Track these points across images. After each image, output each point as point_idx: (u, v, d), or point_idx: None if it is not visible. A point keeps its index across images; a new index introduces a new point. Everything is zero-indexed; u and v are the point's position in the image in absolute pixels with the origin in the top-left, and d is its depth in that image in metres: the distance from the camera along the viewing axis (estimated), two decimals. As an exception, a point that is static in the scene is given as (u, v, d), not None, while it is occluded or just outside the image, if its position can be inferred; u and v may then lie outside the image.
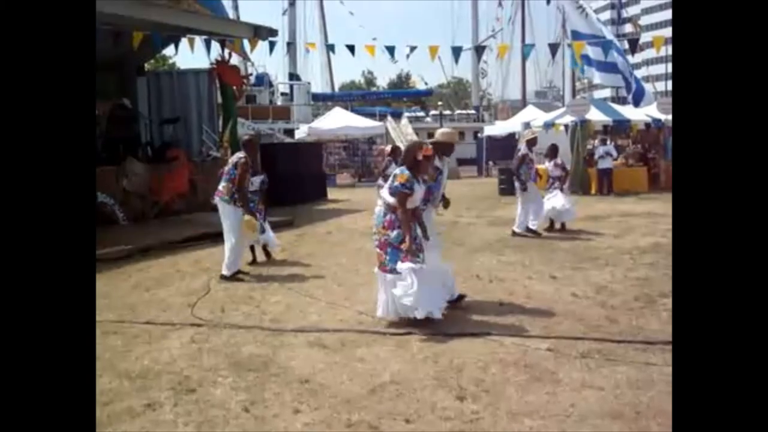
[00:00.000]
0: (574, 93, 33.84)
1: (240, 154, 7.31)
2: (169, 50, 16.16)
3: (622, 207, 13.59)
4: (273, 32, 14.42)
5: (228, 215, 7.22)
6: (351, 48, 12.93)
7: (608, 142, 16.79)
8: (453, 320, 5.39)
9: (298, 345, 4.93)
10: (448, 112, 37.41)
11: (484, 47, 11.50)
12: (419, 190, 5.35)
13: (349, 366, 4.43)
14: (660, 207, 13.43)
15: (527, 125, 18.54)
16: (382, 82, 66.25)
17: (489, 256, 8.32)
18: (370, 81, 66.87)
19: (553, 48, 13.40)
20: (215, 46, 14.02)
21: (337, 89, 52.69)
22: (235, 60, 19.14)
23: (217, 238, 9.51)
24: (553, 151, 10.95)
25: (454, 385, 3.99)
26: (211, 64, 14.88)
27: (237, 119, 15.10)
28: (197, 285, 7.03)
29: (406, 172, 5.27)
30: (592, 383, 3.97)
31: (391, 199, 5.28)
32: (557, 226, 10.50)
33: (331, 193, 17.95)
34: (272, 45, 14.68)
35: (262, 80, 32.37)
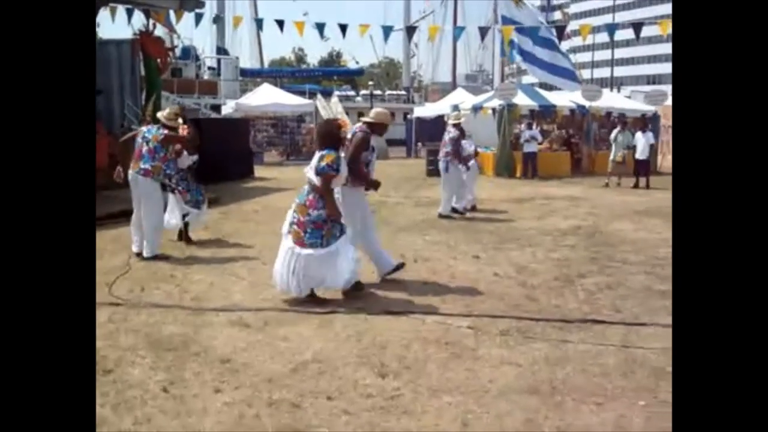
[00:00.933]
0: (503, 77, 34.40)
1: (160, 129, 7.04)
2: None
3: (545, 190, 14.01)
4: (200, 4, 13.98)
5: (151, 194, 6.94)
6: (280, 23, 12.66)
7: (534, 126, 17.23)
8: (376, 299, 5.43)
9: (220, 324, 4.83)
10: (378, 92, 37.40)
11: (414, 28, 11.51)
12: (344, 170, 5.37)
13: (272, 345, 4.38)
14: (581, 191, 13.96)
15: (456, 108, 18.73)
16: (313, 59, 65.58)
17: (415, 236, 8.41)
18: (300, 58, 65.87)
19: (483, 31, 13.56)
20: (139, 16, 13.48)
21: (266, 65, 51.66)
22: (160, 32, 18.47)
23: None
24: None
25: (376, 363, 4.02)
26: (134, 34, 14.29)
27: (161, 92, 14.57)
28: (116, 263, 6.76)
29: (333, 152, 5.25)
30: (511, 360, 4.09)
31: (314, 177, 5.25)
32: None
33: (259, 171, 17.63)
34: (199, 17, 14.23)
35: (189, 53, 31.27)
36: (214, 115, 25.25)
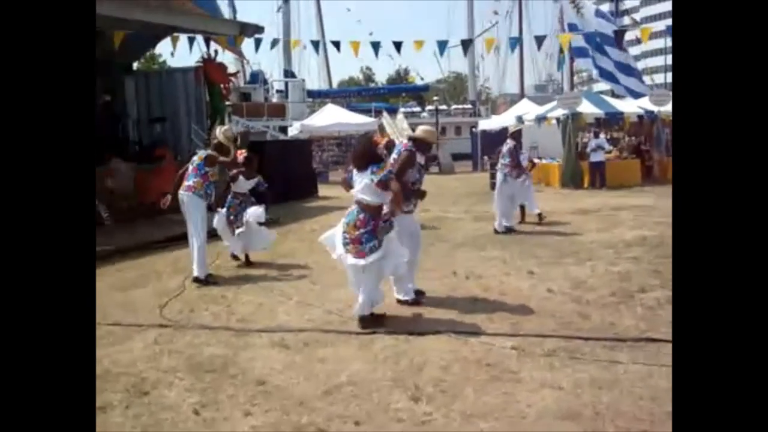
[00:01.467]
0: (572, 86, 33.62)
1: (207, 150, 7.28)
2: (165, 49, 16.13)
3: (613, 200, 13.46)
4: (259, 29, 14.32)
5: (194, 211, 7.02)
6: (336, 44, 12.81)
7: (601, 135, 16.64)
8: (421, 318, 5.31)
9: (261, 346, 4.83)
10: (444, 107, 37.23)
11: (470, 41, 11.34)
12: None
13: (308, 367, 4.33)
14: (651, 200, 13.33)
15: (520, 119, 18.41)
16: (381, 78, 66.11)
17: (471, 252, 8.21)
18: (368, 77, 66.62)
19: (539, 40, 13.25)
20: (203, 44, 13.96)
21: (335, 86, 52.58)
22: (228, 58, 19.05)
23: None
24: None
25: (410, 386, 3.90)
26: (197, 62, 14.81)
27: (225, 117, 15.00)
28: (173, 285, 6.93)
29: (381, 165, 5.20)
30: (553, 383, 3.87)
31: (368, 198, 5.15)
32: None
33: (323, 190, 17.82)
34: (258, 42, 14.63)
35: (257, 78, 32.23)
36: (282, 137, 25.82)
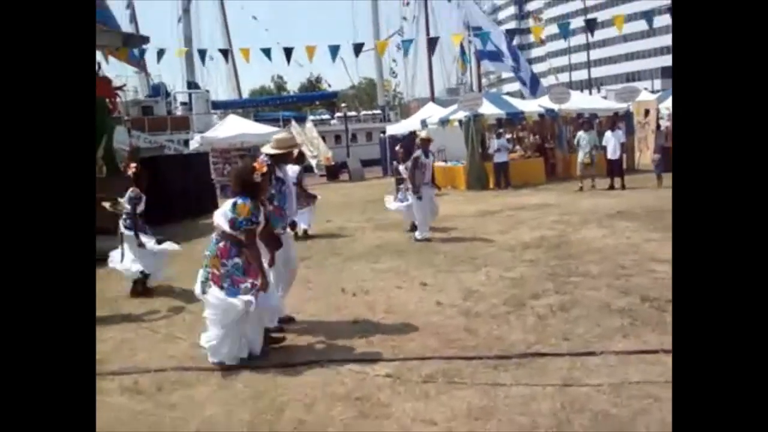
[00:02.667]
0: (480, 88, 34.08)
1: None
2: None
3: (517, 200, 13.44)
4: (144, 39, 13.53)
5: None
6: (224, 53, 12.16)
7: (504, 135, 16.70)
8: (295, 348, 4.82)
9: (110, 392, 4.21)
10: (353, 113, 36.89)
11: (361, 45, 11.01)
12: (262, 219, 4.60)
13: (156, 415, 3.78)
14: (554, 197, 13.41)
15: (424, 123, 18.27)
16: (293, 86, 65.15)
17: (364, 265, 7.80)
18: (280, 86, 65.49)
19: (432, 42, 13.04)
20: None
21: (246, 96, 51.28)
22: (129, 72, 17.83)
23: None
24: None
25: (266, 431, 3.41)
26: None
27: (113, 133, 14.00)
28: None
29: (248, 203, 4.45)
30: (426, 416, 3.48)
31: (227, 227, 4.52)
32: None
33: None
34: (161, 53, 13.82)
35: (159, 90, 30.85)
36: (186, 151, 24.71)
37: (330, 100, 42.50)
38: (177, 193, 14.10)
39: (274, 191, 5.12)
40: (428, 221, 9.47)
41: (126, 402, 4.06)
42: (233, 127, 21.70)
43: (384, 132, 24.47)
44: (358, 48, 10.96)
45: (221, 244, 4.53)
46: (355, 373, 4.16)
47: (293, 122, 28.72)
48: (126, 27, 40.85)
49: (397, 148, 12.85)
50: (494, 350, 4.44)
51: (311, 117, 31.58)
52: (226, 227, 4.53)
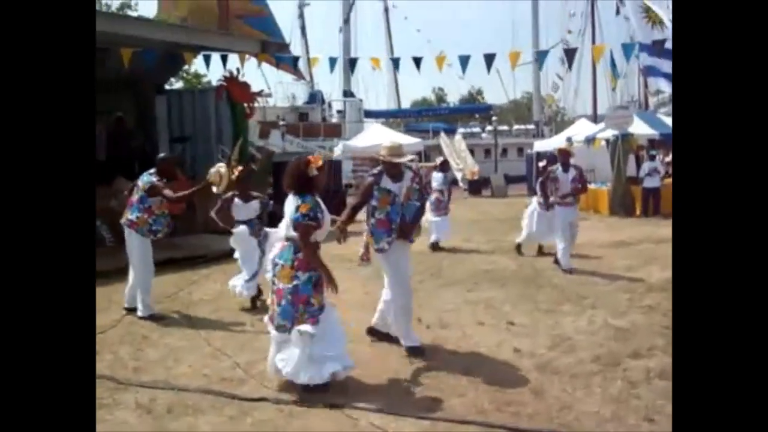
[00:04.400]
0: (647, 106, 31.48)
1: (151, 178, 6.31)
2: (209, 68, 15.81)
3: (661, 231, 11.81)
4: (282, 47, 13.79)
5: (136, 250, 6.30)
6: (417, 61, 11.78)
7: (657, 157, 14.94)
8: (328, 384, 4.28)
9: (125, 407, 3.98)
10: (505, 127, 35.71)
11: (493, 56, 10.15)
12: (327, 220, 4.25)
13: (147, 446, 3.43)
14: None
15: (569, 140, 16.96)
16: (454, 98, 64.82)
17: (457, 292, 7.08)
18: (440, 98, 65.57)
19: (569, 54, 11.87)
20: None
21: (408, 107, 51.85)
22: (289, 79, 18.36)
23: (194, 261, 9.17)
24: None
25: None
26: (219, 81, 14.40)
27: (248, 137, 14.49)
28: (108, 319, 6.19)
29: (308, 199, 4.12)
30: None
31: (291, 230, 4.19)
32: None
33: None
34: (295, 63, 14.04)
35: (315, 98, 32.02)
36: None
37: (485, 114, 41.65)
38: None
39: (375, 203, 4.79)
40: (569, 248, 8.22)
41: (129, 419, 3.80)
42: (374, 137, 21.76)
43: (531, 148, 23.28)
44: (489, 59, 10.19)
45: (300, 254, 4.16)
46: (374, 428, 3.54)
47: (442, 134, 28.41)
48: (297, 36, 43.30)
49: (540, 164, 11.90)
50: (553, 423, 3.59)
51: (461, 129, 31.04)
52: (292, 232, 4.18)
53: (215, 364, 4.76)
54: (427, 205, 10.52)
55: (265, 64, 15.46)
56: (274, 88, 29.88)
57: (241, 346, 5.23)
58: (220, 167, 6.22)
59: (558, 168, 8.25)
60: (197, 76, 22.55)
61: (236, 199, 6.53)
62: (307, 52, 35.37)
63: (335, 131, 30.99)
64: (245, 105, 14.27)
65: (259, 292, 6.48)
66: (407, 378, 4.36)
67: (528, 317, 5.94)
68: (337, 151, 22.42)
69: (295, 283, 4.11)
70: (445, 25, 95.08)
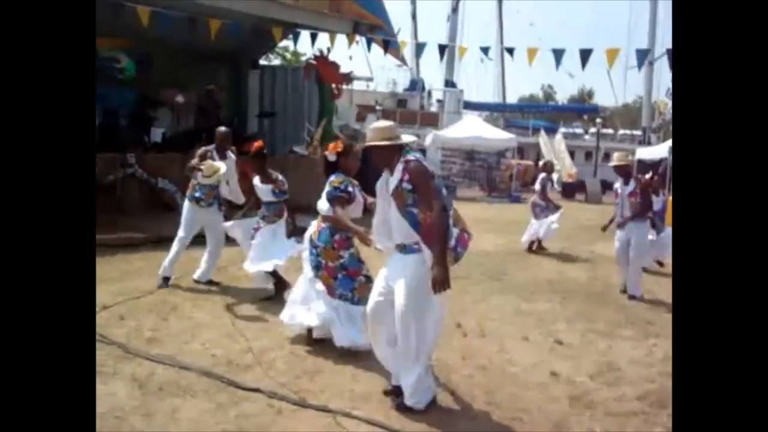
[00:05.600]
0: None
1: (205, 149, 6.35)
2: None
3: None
4: (373, 29, 13.51)
5: (184, 212, 6.38)
6: (510, 51, 11.36)
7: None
8: (335, 386, 3.97)
9: (121, 377, 3.88)
10: (610, 130, 33.82)
11: (589, 51, 9.29)
12: (358, 197, 4.44)
13: (120, 418, 3.29)
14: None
15: (670, 150, 15.66)
16: (563, 97, 62.47)
17: (510, 300, 6.56)
18: (548, 95, 63.40)
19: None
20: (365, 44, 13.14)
21: (515, 101, 50.48)
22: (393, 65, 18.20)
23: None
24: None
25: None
26: (309, 59, 14.36)
27: (332, 118, 14.39)
28: (146, 286, 6.19)
29: (340, 175, 4.40)
30: None
31: (327, 209, 4.43)
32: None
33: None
34: (420, 48, 13.87)
35: (415, 85, 31.69)
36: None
37: (592, 115, 39.77)
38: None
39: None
40: (632, 271, 7.12)
41: (119, 392, 3.69)
42: (467, 129, 21.19)
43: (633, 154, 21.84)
44: (585, 54, 9.44)
45: (337, 236, 4.47)
46: (359, 440, 3.20)
47: (542, 132, 27.36)
48: (407, 22, 43.04)
49: (647, 175, 10.94)
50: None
51: (562, 129, 29.77)
52: (325, 208, 4.45)
53: (228, 345, 4.58)
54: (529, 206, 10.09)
55: (361, 47, 15.30)
56: (375, 72, 29.87)
57: (264, 330, 5.03)
58: (215, 164, 6.12)
59: (619, 183, 7.40)
60: (296, 54, 22.78)
61: (257, 179, 5.91)
62: (416, 38, 35.10)
63: (432, 120, 30.57)
64: (333, 86, 14.21)
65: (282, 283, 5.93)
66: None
67: (579, 337, 5.37)
68: (428, 141, 22.01)
69: (341, 261, 4.44)
70: (559, 25, 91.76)
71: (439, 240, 3.31)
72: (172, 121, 13.49)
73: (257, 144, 6.07)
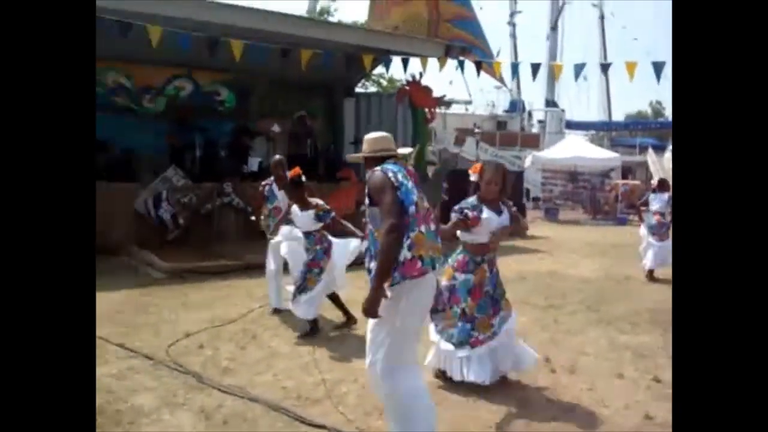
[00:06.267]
0: None
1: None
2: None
3: None
4: (464, 51, 13.36)
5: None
6: (605, 67, 11.02)
7: None
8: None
9: (187, 409, 3.85)
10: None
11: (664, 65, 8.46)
12: (489, 219, 4.24)
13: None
14: None
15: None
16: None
17: (606, 333, 6.04)
18: (657, 112, 60.22)
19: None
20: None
21: (622, 119, 48.48)
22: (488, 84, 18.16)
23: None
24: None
25: None
26: (402, 85, 14.36)
27: (426, 141, 14.30)
28: (232, 313, 6.27)
29: (470, 200, 4.32)
30: None
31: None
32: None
33: (541, 228, 15.99)
34: (515, 68, 13.66)
35: (516, 106, 31.08)
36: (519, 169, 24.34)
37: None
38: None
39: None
40: None
41: (185, 424, 3.69)
42: (568, 149, 20.39)
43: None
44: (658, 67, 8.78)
45: (460, 256, 4.38)
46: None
47: (650, 150, 25.96)
48: (506, 41, 42.60)
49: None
50: None
51: (671, 147, 28.04)
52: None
53: (301, 378, 4.48)
54: (644, 228, 9.20)
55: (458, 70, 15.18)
56: (474, 95, 29.66)
57: (343, 359, 4.91)
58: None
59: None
60: (391, 80, 22.98)
61: (294, 207, 5.69)
62: (515, 58, 34.60)
63: (533, 141, 29.77)
64: (426, 110, 14.13)
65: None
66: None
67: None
68: (527, 162, 21.39)
69: (453, 282, 4.31)
70: (666, 36, 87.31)
71: (380, 261, 2.89)
72: (268, 150, 13.91)
73: (294, 171, 5.81)
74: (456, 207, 4.31)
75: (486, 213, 4.23)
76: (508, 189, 4.45)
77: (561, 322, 6.36)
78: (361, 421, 3.73)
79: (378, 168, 3.10)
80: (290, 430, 3.59)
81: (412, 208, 2.99)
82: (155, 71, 12.35)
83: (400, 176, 3.05)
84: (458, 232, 4.32)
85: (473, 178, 4.37)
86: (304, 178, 5.66)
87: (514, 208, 4.49)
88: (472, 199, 4.30)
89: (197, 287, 7.36)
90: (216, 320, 5.97)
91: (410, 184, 3.07)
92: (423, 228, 3.01)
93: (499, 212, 4.29)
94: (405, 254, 2.93)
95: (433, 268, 3.03)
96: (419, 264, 2.95)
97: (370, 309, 2.89)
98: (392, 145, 3.38)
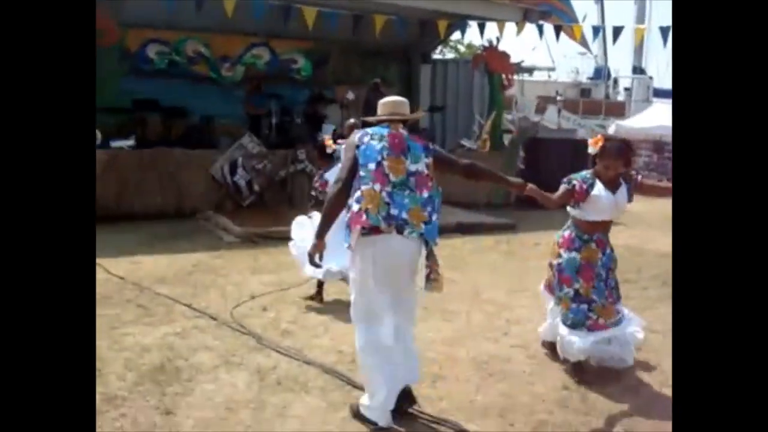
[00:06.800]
0: None
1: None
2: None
3: None
4: (544, 15, 12.84)
5: None
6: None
7: None
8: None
9: (244, 368, 3.96)
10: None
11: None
12: (599, 197, 3.93)
13: (249, 417, 3.33)
14: None
15: None
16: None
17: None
18: (760, 78, 55.99)
19: None
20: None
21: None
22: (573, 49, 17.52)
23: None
24: None
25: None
26: (478, 50, 14.01)
27: (502, 109, 13.94)
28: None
29: (583, 173, 4.05)
30: None
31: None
32: None
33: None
34: (596, 31, 13.15)
35: (600, 73, 29.78)
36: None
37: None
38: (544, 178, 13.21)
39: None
40: None
41: (239, 384, 3.77)
42: (653, 118, 19.40)
43: None
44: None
45: (566, 233, 4.15)
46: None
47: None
48: (591, 6, 40.68)
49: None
50: None
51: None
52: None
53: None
54: None
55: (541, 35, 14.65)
56: (558, 61, 28.63)
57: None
58: None
59: None
60: (470, 46, 22.43)
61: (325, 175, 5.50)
62: (602, 21, 33.01)
63: (618, 110, 28.52)
64: (503, 76, 13.74)
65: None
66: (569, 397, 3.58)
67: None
68: (610, 132, 20.46)
69: (559, 261, 4.08)
70: None
71: (323, 213, 3.31)
72: (342, 118, 13.99)
73: (324, 142, 5.76)
74: (566, 178, 4.04)
75: (597, 190, 3.92)
76: (632, 164, 4.19)
77: (631, 297, 6.09)
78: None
79: (360, 131, 3.32)
80: (340, 394, 3.63)
81: (371, 165, 3.14)
82: (232, 40, 12.57)
83: (367, 138, 3.23)
84: (568, 208, 4.09)
85: (591, 150, 4.00)
86: None
87: (639, 177, 4.24)
88: (586, 172, 4.01)
89: (267, 252, 7.53)
90: (282, 284, 6.09)
91: (379, 145, 3.18)
92: (378, 186, 3.11)
93: (615, 189, 3.95)
94: (354, 206, 3.13)
95: (388, 226, 3.09)
96: (364, 216, 3.08)
97: (311, 252, 3.34)
98: (402, 109, 3.44)
